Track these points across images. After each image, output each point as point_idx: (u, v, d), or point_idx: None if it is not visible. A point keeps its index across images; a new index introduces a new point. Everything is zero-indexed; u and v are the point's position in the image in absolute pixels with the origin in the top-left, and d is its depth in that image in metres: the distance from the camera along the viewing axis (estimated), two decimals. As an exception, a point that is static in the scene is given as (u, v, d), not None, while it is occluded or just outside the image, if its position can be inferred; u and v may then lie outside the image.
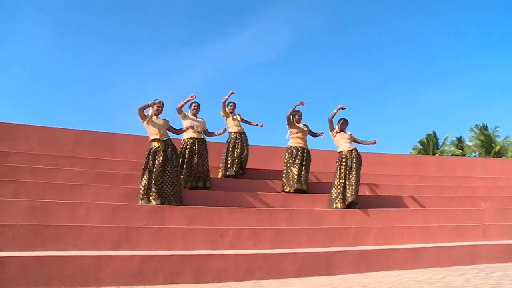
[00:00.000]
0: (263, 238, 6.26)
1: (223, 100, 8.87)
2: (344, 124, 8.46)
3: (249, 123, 9.24)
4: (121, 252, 5.22)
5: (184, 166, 7.62)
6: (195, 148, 7.73)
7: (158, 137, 7.00)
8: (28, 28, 46.48)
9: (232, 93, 8.77)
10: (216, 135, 8.15)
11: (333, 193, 8.01)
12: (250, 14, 58.23)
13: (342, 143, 8.33)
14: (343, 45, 57.94)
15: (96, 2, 48.32)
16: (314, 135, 8.83)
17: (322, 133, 8.84)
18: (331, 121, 8.34)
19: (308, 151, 8.54)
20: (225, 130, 8.18)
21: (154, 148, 6.95)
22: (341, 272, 5.76)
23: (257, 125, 9.28)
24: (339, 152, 8.32)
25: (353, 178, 7.93)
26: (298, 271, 5.53)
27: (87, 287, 4.56)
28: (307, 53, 58.71)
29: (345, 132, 8.43)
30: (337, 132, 8.41)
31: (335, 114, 8.27)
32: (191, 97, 7.52)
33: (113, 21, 51.68)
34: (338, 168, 8.14)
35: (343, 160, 8.14)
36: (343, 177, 8.00)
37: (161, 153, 6.88)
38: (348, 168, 8.05)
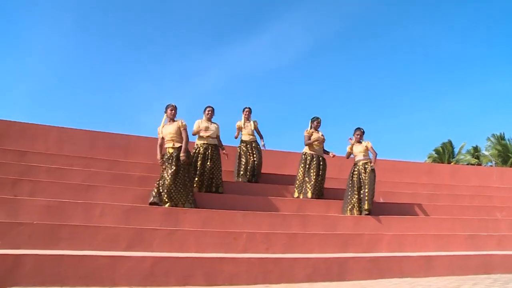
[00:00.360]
0: (276, 242, 6.26)
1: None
2: (359, 135, 8.48)
3: (260, 136, 9.12)
4: (135, 253, 5.26)
5: (197, 171, 7.64)
6: (208, 154, 7.76)
7: (171, 144, 7.03)
8: (48, 28, 47.08)
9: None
10: (223, 150, 8.14)
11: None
12: (267, 19, 58.27)
13: (357, 154, 8.35)
14: (359, 51, 57.68)
15: (116, 3, 48.79)
16: (325, 152, 8.81)
17: (333, 153, 8.84)
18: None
19: (323, 159, 8.55)
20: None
21: (169, 154, 6.98)
22: (353, 278, 5.74)
23: (263, 145, 9.11)
24: (354, 163, 8.36)
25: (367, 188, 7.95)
26: (310, 276, 5.52)
27: (102, 287, 4.61)
28: (324, 59, 58.52)
29: (360, 143, 8.44)
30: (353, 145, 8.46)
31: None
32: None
33: (132, 23, 52.12)
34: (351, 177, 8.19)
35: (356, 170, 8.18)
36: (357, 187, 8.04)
37: (174, 159, 6.90)
38: (362, 178, 8.08)
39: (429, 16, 52.84)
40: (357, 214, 7.80)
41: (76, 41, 46.39)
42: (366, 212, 7.80)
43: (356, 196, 7.94)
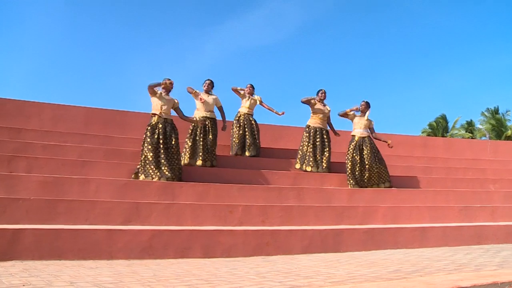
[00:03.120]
0: (272, 215, 6.32)
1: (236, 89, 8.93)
2: (365, 107, 8.51)
3: (270, 109, 9.15)
4: (132, 226, 5.31)
5: (191, 143, 7.68)
6: (208, 127, 7.78)
7: (158, 113, 7.03)
8: (41, 7, 46.44)
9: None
10: (224, 125, 8.22)
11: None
12: (261, -6, 57.58)
13: (357, 127, 8.37)
14: (354, 27, 57.25)
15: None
16: (333, 130, 8.85)
17: (338, 134, 8.92)
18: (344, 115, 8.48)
19: (327, 132, 8.58)
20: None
21: (154, 123, 6.99)
22: (348, 249, 5.82)
23: (277, 113, 9.16)
24: (352, 135, 8.39)
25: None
26: (306, 248, 5.59)
27: (100, 260, 4.65)
28: (318, 35, 58.07)
29: (364, 116, 8.47)
30: (354, 115, 8.49)
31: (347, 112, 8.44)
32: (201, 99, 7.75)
33: (126, 1, 51.45)
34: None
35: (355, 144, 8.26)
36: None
37: (160, 130, 6.92)
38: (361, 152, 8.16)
39: (424, -10, 52.39)
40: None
41: (69, 19, 45.96)
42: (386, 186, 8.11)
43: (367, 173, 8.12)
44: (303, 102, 8.57)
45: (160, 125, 6.96)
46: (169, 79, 7.15)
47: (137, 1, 51.63)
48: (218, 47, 57.09)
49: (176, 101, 7.27)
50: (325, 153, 8.38)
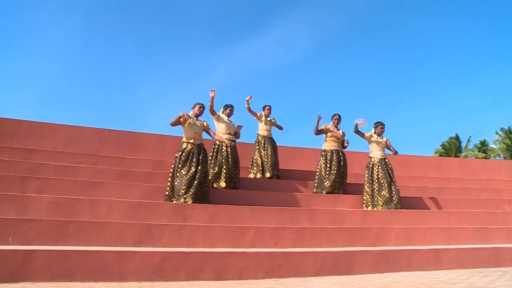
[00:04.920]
0: (284, 237, 6.26)
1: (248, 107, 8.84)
2: (381, 128, 8.56)
3: (279, 127, 9.16)
4: (143, 248, 5.28)
5: (216, 168, 7.73)
6: (229, 151, 7.86)
7: (192, 141, 7.11)
8: (55, 27, 47.35)
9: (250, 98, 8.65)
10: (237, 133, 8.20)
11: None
12: (274, 16, 58.17)
13: (375, 149, 8.38)
14: (365, 47, 57.49)
15: (122, 2, 48.94)
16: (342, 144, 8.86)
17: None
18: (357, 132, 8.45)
19: (343, 153, 8.63)
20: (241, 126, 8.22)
21: (188, 150, 7.05)
22: (361, 271, 5.73)
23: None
24: (370, 157, 8.40)
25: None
26: (319, 270, 5.52)
27: (111, 282, 4.62)
28: (331, 55, 58.50)
29: (382, 138, 8.51)
30: (371, 136, 8.51)
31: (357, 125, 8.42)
32: (212, 92, 7.57)
33: (138, 23, 52.28)
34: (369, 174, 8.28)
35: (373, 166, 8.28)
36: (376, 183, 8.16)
37: (194, 156, 6.99)
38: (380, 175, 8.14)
39: (435, 10, 52.56)
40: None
41: (83, 40, 46.74)
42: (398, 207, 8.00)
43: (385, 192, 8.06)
44: (317, 135, 8.64)
45: (196, 152, 7.05)
46: (202, 104, 7.31)
47: (150, 22, 52.49)
48: (230, 68, 57.70)
49: (205, 123, 7.39)
50: (342, 175, 8.42)
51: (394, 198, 8.05)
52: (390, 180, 8.11)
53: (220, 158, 7.80)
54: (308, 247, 6.16)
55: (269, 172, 8.58)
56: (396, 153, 8.45)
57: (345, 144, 8.76)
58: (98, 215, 6.01)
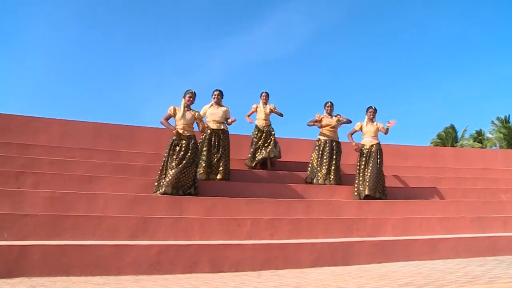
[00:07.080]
0: (280, 229, 6.25)
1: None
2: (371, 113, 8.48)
3: (280, 114, 8.95)
4: (140, 242, 5.27)
5: (204, 158, 7.61)
6: (214, 140, 7.73)
7: (181, 131, 7.01)
8: (47, 22, 47.08)
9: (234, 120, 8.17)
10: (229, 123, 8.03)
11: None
12: (270, 7, 58.01)
13: (365, 136, 8.34)
14: (362, 38, 57.48)
15: (114, -3, 48.67)
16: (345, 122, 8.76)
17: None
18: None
19: (337, 143, 8.53)
20: (235, 119, 8.05)
21: (176, 141, 6.97)
22: (358, 262, 5.74)
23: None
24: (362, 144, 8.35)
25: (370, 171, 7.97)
26: (315, 261, 5.52)
27: (107, 276, 4.61)
28: (327, 47, 58.38)
29: (372, 123, 8.44)
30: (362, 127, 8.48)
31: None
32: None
33: (131, 16, 52.03)
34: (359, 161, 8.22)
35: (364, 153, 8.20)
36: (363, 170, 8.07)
37: (182, 147, 6.90)
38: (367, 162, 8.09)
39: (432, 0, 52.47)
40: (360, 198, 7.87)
41: (76, 34, 46.47)
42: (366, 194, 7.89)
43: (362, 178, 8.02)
44: (310, 126, 8.60)
45: (185, 143, 6.94)
46: (190, 91, 7.18)
47: (143, 15, 52.23)
48: (225, 61, 57.52)
49: (196, 114, 7.24)
50: (332, 165, 8.31)
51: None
52: (376, 169, 8.04)
53: (205, 148, 7.67)
54: (304, 239, 6.16)
55: (265, 153, 8.48)
56: (387, 132, 8.34)
57: (344, 120, 8.59)
58: (94, 209, 5.98)
